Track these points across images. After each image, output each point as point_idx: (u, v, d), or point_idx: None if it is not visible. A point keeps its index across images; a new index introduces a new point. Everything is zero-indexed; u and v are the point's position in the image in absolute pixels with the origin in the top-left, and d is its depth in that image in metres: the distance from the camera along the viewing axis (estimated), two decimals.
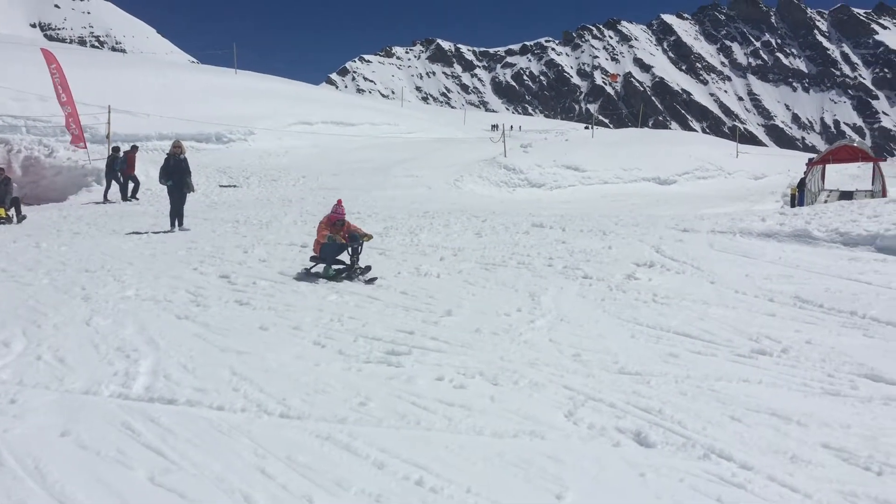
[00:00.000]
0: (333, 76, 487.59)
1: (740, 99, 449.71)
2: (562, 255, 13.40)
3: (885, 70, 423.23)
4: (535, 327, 8.60)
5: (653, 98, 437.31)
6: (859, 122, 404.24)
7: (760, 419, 5.80)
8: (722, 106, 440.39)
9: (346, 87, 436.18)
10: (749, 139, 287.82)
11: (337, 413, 5.74)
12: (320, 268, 11.60)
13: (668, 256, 12.97)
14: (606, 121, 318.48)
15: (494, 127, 69.13)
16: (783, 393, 6.47)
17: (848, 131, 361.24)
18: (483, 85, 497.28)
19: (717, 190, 37.02)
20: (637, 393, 6.34)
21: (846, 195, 30.85)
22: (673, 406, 6.01)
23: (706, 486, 4.65)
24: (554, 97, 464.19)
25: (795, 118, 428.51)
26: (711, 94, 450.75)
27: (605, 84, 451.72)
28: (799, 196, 27.42)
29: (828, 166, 34.87)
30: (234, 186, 28.92)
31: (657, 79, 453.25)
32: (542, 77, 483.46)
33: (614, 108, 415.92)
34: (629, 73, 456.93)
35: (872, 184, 32.34)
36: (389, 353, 7.37)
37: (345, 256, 11.72)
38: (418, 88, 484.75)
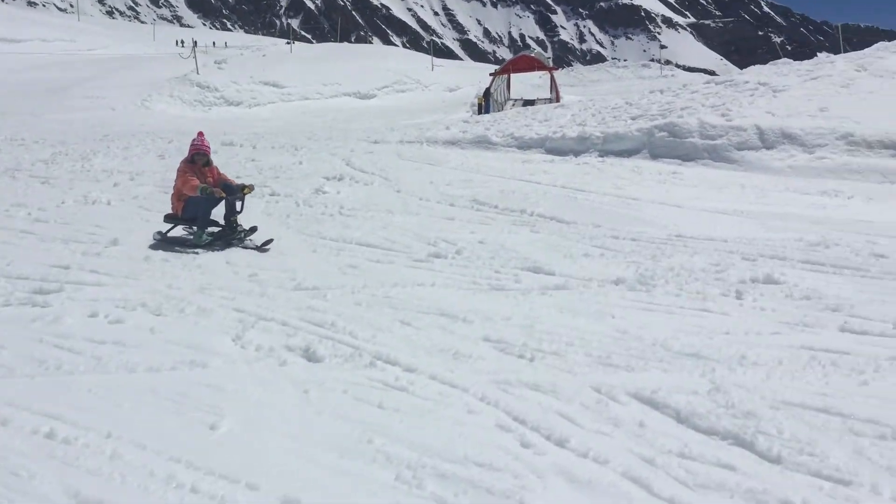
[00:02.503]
0: None
1: (436, 14, 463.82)
2: (251, 172, 12.86)
3: None
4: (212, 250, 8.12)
5: (354, 13, 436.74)
6: (542, 35, 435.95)
7: (429, 321, 5.91)
8: (420, 21, 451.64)
9: None
10: (446, 53, 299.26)
11: None
12: (180, 230, 8.80)
13: (358, 168, 12.95)
14: (309, 36, 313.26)
15: (182, 43, 64.34)
16: (453, 293, 6.67)
17: (533, 44, 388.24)
18: None
19: (414, 102, 37.91)
20: (312, 308, 6.18)
21: (529, 102, 33.00)
22: (346, 317, 5.93)
23: (369, 393, 4.60)
24: (253, 12, 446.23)
25: (486, 32, 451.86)
26: (409, 9, 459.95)
27: None
28: (485, 105, 28.90)
29: (513, 76, 37.05)
30: None
31: None
32: None
33: (316, 22, 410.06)
34: None
35: (550, 91, 34.94)
36: (36, 293, 6.49)
37: (218, 215, 8.79)
38: (101, 2, 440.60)
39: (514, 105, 33.02)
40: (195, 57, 36.93)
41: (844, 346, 5.32)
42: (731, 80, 15.58)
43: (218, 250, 8.22)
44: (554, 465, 3.80)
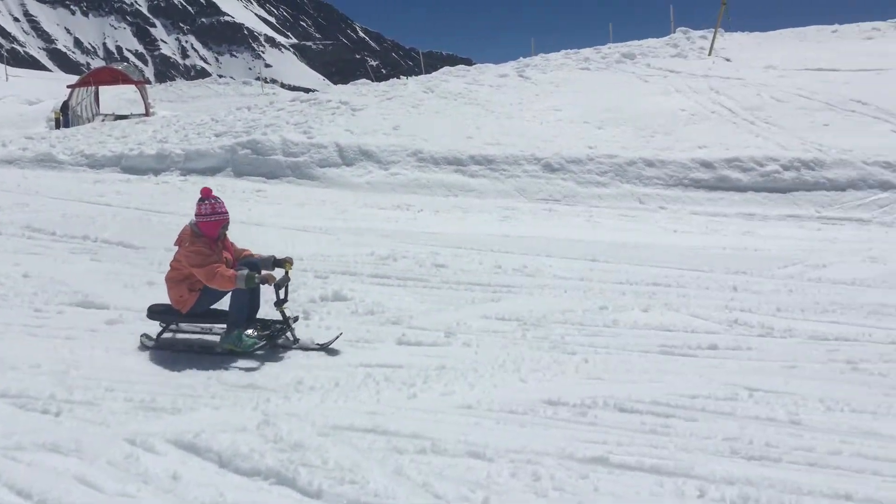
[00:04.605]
0: None
1: (17, 20, 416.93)
2: None
3: None
4: None
5: None
6: (141, 48, 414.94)
7: None
8: None
9: None
10: (31, 63, 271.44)
11: None
12: (171, 328, 5.92)
13: None
14: None
15: None
16: None
17: (132, 57, 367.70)
18: None
19: None
20: None
21: (122, 117, 30.91)
22: None
23: None
24: None
25: (78, 43, 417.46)
26: None
27: None
28: (64, 119, 26.39)
29: (104, 89, 34.44)
30: None
31: None
32: None
33: None
34: None
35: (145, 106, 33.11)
36: None
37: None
38: None
39: (104, 120, 30.67)
40: None
41: (399, 359, 5.40)
42: (315, 99, 15.86)
43: (257, 359, 5.47)
44: None
